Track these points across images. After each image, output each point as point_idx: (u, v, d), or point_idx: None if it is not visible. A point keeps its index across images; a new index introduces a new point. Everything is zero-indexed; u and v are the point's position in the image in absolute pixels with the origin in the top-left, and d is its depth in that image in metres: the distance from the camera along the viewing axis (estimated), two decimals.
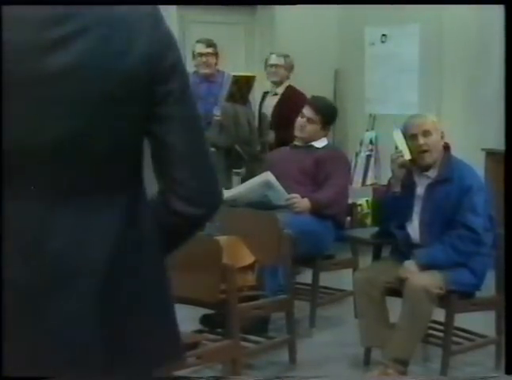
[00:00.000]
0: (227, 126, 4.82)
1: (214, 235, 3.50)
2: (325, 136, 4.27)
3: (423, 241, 3.42)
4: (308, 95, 4.64)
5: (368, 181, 5.88)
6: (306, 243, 3.80)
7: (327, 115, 4.23)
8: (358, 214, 4.98)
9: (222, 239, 3.27)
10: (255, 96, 5.35)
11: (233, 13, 5.75)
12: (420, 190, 3.46)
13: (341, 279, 4.34)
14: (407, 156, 3.42)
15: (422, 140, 3.41)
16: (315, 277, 4.07)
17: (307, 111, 4.19)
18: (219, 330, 3.49)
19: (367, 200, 5.42)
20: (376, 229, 3.88)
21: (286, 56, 5.25)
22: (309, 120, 4.18)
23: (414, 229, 3.46)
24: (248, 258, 3.38)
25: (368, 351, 3.53)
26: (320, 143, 4.25)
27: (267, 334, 3.74)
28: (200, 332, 3.53)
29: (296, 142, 4.30)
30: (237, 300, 3.14)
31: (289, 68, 5.25)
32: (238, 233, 3.45)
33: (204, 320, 3.64)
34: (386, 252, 3.71)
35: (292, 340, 3.56)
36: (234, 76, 4.76)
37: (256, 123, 5.21)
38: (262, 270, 3.61)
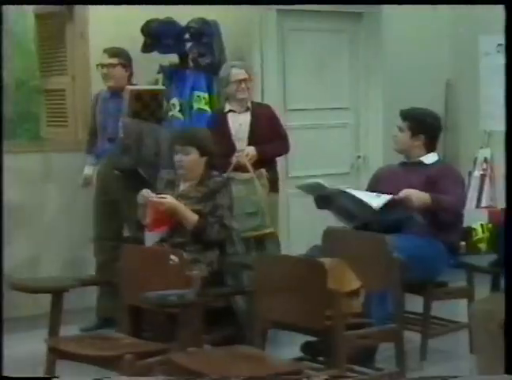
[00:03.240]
0: (129, 145, 4.58)
1: (318, 257, 3.55)
2: (431, 150, 4.24)
3: None
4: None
5: (483, 203, 5.78)
6: (417, 268, 3.77)
7: (416, 120, 4.20)
8: (472, 239, 4.92)
9: (326, 261, 3.29)
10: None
11: (336, 20, 5.80)
12: None
13: (455, 309, 4.29)
14: None
15: None
16: (427, 306, 4.03)
17: (398, 121, 4.23)
18: (321, 359, 3.51)
19: (482, 224, 5.35)
20: (492, 255, 3.81)
21: (247, 66, 4.95)
22: (399, 129, 4.21)
23: None
24: (354, 283, 3.38)
25: None
26: (429, 159, 4.23)
27: (374, 365, 3.73)
28: (300, 359, 3.55)
29: (404, 160, 4.30)
30: (343, 328, 3.16)
31: (252, 79, 4.95)
32: (343, 255, 3.46)
33: (306, 347, 3.66)
34: None
35: (402, 373, 3.54)
36: (132, 90, 4.54)
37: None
38: (369, 296, 3.62)
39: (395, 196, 3.91)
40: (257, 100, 5.42)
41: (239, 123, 4.85)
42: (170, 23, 5.15)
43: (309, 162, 5.72)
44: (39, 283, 3.93)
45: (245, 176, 4.60)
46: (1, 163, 3.74)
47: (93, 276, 3.99)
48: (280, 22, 5.57)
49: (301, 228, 5.35)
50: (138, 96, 4.52)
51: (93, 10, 5.16)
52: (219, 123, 4.90)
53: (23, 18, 5.77)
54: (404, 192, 3.94)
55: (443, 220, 3.98)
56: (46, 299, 3.50)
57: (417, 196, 3.94)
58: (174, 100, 5.17)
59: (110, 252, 4.63)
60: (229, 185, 3.97)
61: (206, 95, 5.14)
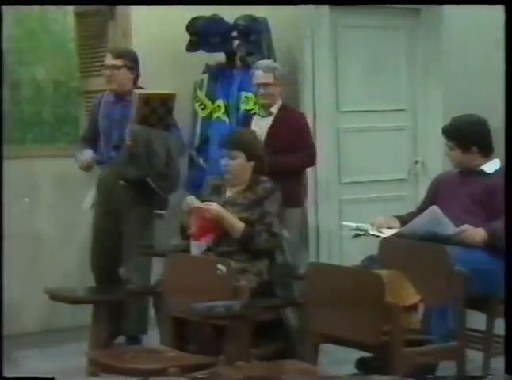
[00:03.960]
0: (137, 154, 4.48)
1: (373, 268, 3.54)
2: (489, 155, 4.20)
3: None
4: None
5: None
6: (479, 282, 3.72)
7: (461, 135, 4.15)
8: None
9: (384, 273, 3.28)
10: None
11: (393, 16, 5.79)
12: None
13: None
14: None
15: None
16: (490, 323, 3.99)
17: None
18: (377, 376, 3.50)
19: None
20: None
21: (275, 69, 4.87)
22: (449, 148, 4.19)
23: None
24: (413, 296, 3.37)
25: None
26: (491, 167, 4.20)
27: None
28: (355, 376, 3.55)
29: (462, 169, 4.28)
30: (402, 344, 3.15)
31: (281, 82, 4.85)
32: (400, 267, 3.44)
33: (361, 363, 3.65)
34: None
35: None
36: (140, 94, 4.45)
37: None
38: (428, 311, 3.59)
39: (456, 234, 3.90)
40: (309, 101, 5.45)
41: (259, 128, 4.82)
42: (216, 20, 5.19)
43: (363, 168, 5.72)
44: (79, 294, 3.99)
45: None
46: (2, 167, 3.86)
47: (136, 287, 4.02)
48: (333, 19, 5.57)
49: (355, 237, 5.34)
50: (146, 101, 4.45)
51: (136, 9, 5.22)
52: (242, 124, 4.95)
53: (63, 17, 5.85)
54: (464, 231, 3.92)
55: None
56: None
57: (477, 235, 3.93)
58: (219, 102, 5.20)
59: (109, 268, 4.62)
60: (278, 191, 3.98)
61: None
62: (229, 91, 5.21)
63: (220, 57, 5.28)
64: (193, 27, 5.18)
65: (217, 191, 4.02)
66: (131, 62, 4.66)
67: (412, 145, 6.04)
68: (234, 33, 5.22)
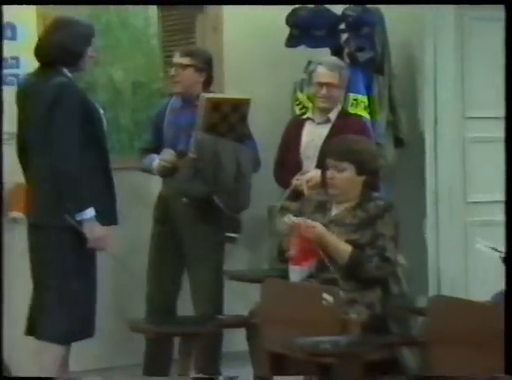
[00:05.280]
0: (203, 168, 4.48)
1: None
2: None
3: None
4: None
5: None
6: None
7: None
8: None
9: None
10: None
11: None
12: None
13: None
14: None
15: None
16: None
17: None
18: None
19: None
20: None
21: (342, 68, 4.80)
22: None
23: None
24: None
25: None
26: None
27: None
28: None
29: None
30: None
31: (344, 85, 4.82)
32: None
33: None
34: None
35: None
36: (208, 98, 4.40)
37: None
38: None
39: None
40: (430, 105, 5.40)
41: (312, 138, 4.78)
42: (321, 11, 5.24)
43: (492, 184, 5.58)
44: (163, 326, 4.03)
45: None
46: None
47: (232, 317, 4.03)
48: (460, 9, 5.50)
49: (483, 267, 5.24)
50: (216, 106, 4.43)
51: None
52: (291, 131, 4.88)
53: (144, 10, 5.94)
54: None
55: None
56: None
57: None
58: None
59: (166, 295, 4.64)
60: (394, 210, 3.93)
61: (365, 98, 5.16)
62: None
63: (326, 52, 5.28)
64: (294, 19, 5.22)
65: (322, 208, 3.99)
66: (202, 63, 4.64)
67: None
68: (343, 26, 5.24)
